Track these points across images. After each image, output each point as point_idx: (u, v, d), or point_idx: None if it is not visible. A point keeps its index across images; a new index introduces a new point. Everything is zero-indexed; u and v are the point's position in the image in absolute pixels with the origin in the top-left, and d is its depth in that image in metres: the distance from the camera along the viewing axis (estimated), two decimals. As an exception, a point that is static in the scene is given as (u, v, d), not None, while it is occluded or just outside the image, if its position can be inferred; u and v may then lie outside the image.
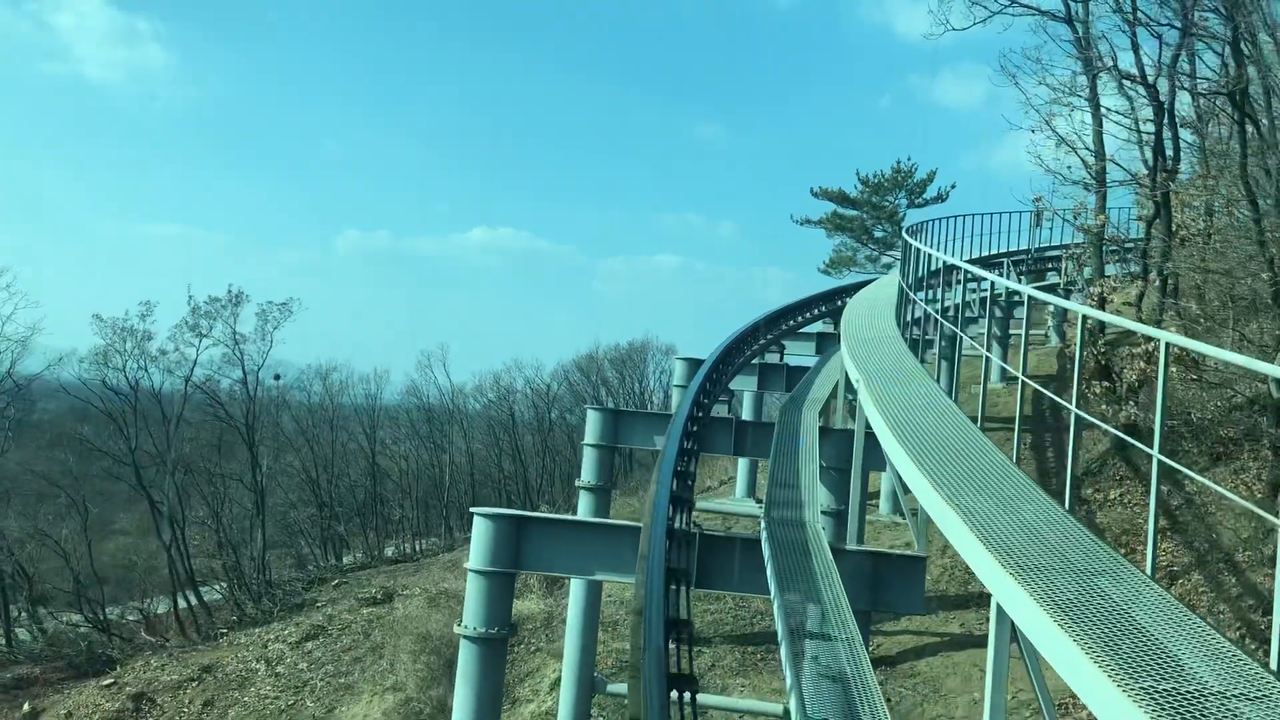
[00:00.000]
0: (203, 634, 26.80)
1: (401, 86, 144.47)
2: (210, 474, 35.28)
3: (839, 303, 21.34)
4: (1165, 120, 15.49)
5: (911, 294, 13.57)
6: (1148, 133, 16.30)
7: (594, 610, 14.26)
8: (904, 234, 16.88)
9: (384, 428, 52.30)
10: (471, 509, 9.90)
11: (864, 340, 12.01)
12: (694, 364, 17.00)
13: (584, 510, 14.51)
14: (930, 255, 14.68)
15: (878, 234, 44.53)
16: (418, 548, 44.87)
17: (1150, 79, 15.46)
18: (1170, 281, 15.37)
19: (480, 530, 9.56)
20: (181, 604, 29.70)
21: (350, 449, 48.91)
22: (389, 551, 43.62)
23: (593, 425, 14.47)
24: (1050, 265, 25.94)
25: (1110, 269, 18.78)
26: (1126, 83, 15.88)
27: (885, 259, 43.30)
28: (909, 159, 43.98)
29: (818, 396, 13.39)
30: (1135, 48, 15.54)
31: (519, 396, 55.71)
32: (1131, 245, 17.87)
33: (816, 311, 21.41)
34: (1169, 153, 15.66)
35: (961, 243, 23.20)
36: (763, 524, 8.66)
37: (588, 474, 14.50)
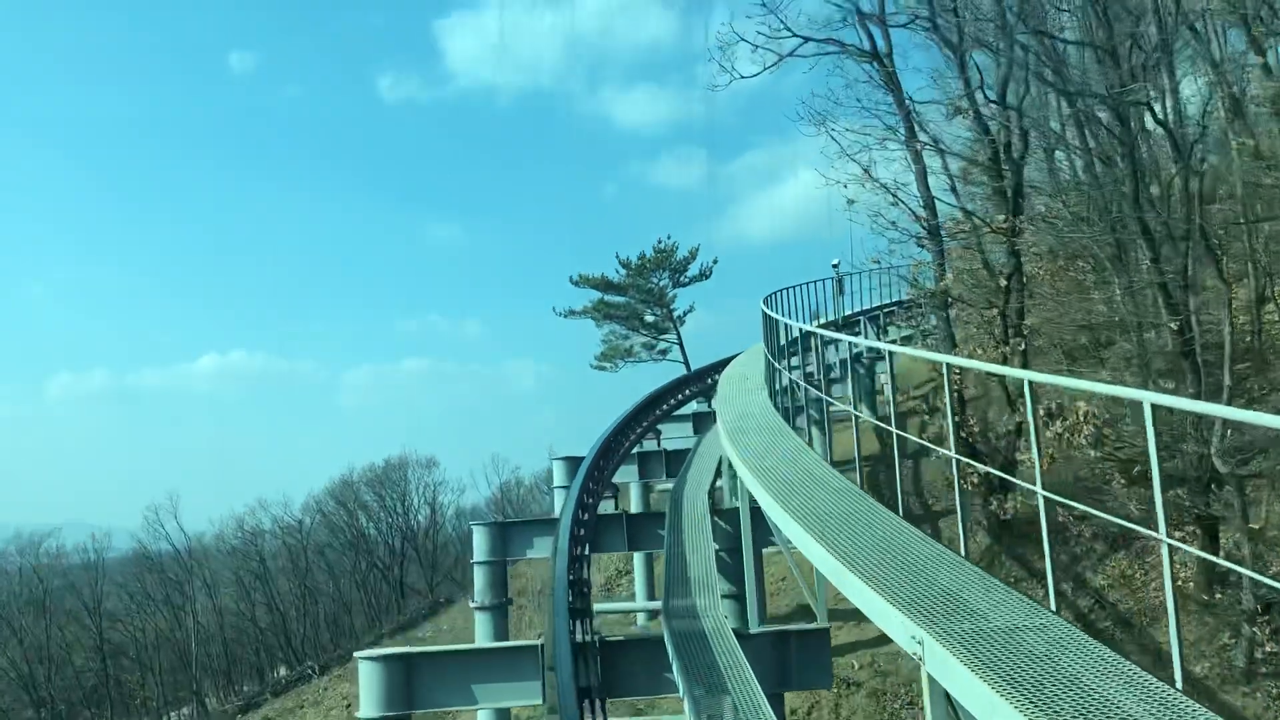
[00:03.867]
0: None
1: (107, 213, 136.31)
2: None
3: (709, 381, 21.24)
4: (1004, 155, 15.06)
5: (777, 363, 13.50)
6: (976, 180, 16.61)
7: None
8: (762, 305, 16.92)
9: (112, 598, 46.61)
10: (356, 654, 9.07)
11: (740, 416, 11.78)
12: (573, 462, 16.40)
13: (481, 632, 13.72)
14: (788, 325, 14.62)
15: (649, 318, 43.54)
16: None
17: (978, 111, 15.17)
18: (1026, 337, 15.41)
19: (368, 675, 8.86)
20: None
21: (70, 631, 43.75)
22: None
23: (480, 541, 14.03)
24: (889, 321, 26.43)
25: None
26: (958, 118, 15.87)
27: (660, 344, 43.22)
28: (669, 237, 44.37)
29: (701, 479, 12.98)
30: (966, 78, 15.12)
31: (268, 538, 51.05)
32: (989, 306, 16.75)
33: (689, 392, 21.20)
34: (1009, 195, 15.12)
35: (808, 309, 23.34)
36: (664, 621, 8.10)
37: (481, 593, 13.61)
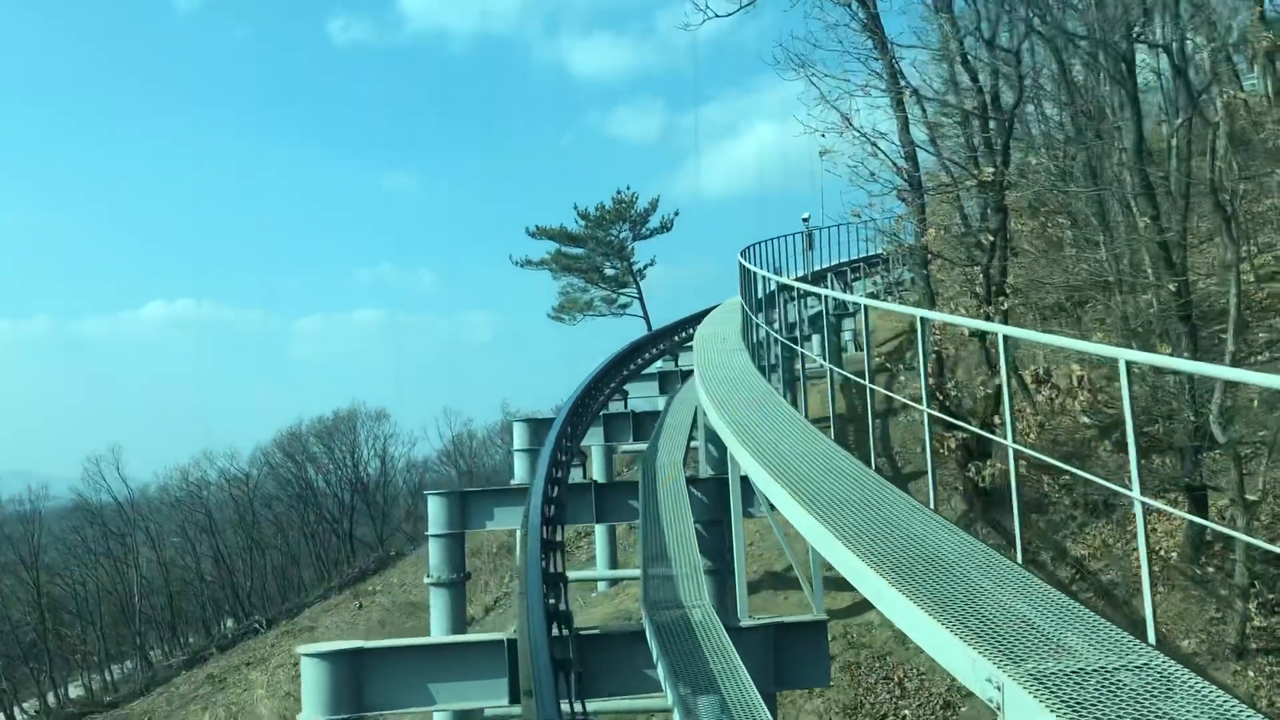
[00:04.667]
0: None
1: (51, 156, 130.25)
2: None
3: (675, 338, 20.21)
4: (990, 106, 14.04)
5: (754, 317, 12.47)
6: (951, 126, 15.59)
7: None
8: (739, 258, 15.85)
9: (51, 550, 45.19)
10: (299, 649, 7.90)
11: (722, 382, 10.68)
12: (536, 424, 15.23)
13: (437, 610, 12.51)
14: (765, 278, 13.58)
15: (609, 271, 42.35)
16: (108, 680, 38.87)
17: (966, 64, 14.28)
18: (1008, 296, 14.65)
19: (311, 674, 7.60)
20: None
21: (6, 584, 42.50)
22: (74, 693, 38.76)
23: (436, 513, 12.82)
24: (855, 277, 25.60)
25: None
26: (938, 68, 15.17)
27: (620, 298, 42.18)
28: (629, 189, 42.48)
29: (675, 446, 11.93)
30: (954, 20, 14.18)
31: (213, 490, 50.36)
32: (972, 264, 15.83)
33: (657, 350, 20.09)
34: (997, 146, 14.17)
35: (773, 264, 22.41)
36: (644, 613, 7.05)
37: (436, 569, 12.47)
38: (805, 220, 26.06)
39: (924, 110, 16.23)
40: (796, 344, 12.80)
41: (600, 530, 20.55)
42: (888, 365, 21.72)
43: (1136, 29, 12.53)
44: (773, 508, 8.08)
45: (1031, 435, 13.82)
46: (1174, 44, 13.02)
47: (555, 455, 9.77)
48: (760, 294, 14.51)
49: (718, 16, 16.13)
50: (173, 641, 43.85)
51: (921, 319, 8.01)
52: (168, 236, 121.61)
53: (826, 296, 12.97)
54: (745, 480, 9.20)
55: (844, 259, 26.68)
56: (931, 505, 6.85)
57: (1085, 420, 13.67)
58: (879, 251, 23.80)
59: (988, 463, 14.29)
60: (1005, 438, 5.83)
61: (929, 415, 7.06)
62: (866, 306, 10.05)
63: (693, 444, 14.22)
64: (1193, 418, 12.45)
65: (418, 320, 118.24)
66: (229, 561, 45.35)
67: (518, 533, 9.00)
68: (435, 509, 13.26)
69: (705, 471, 13.67)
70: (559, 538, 8.17)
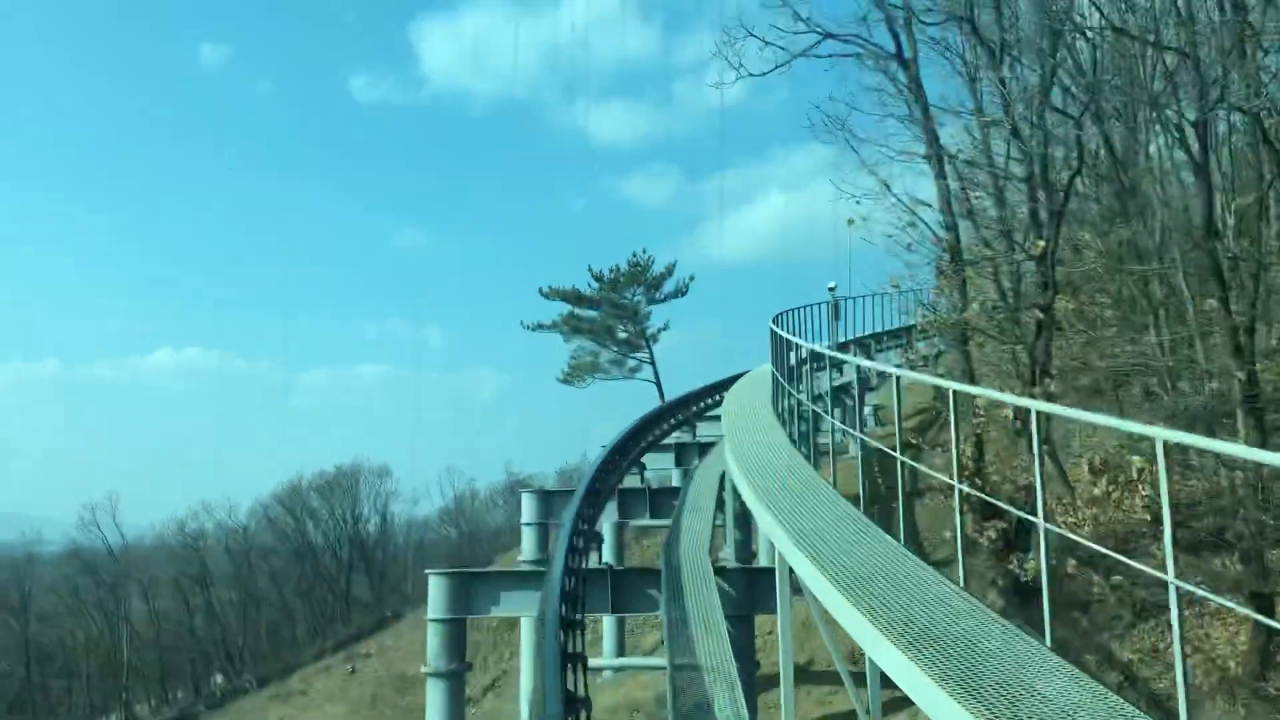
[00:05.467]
0: None
1: (71, 203, 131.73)
2: None
3: (693, 408, 19.25)
4: (1040, 174, 13.21)
5: (788, 387, 11.54)
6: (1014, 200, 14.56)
7: None
8: (771, 325, 14.95)
9: (42, 599, 44.13)
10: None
11: (766, 473, 9.68)
12: (546, 495, 14.10)
13: (433, 704, 11.14)
14: (799, 345, 12.76)
15: (620, 335, 41.46)
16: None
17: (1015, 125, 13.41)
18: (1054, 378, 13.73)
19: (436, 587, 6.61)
20: None
21: None
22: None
23: (437, 595, 11.45)
24: (879, 348, 24.76)
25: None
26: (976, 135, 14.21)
27: (631, 362, 41.28)
28: (644, 251, 41.77)
29: (697, 529, 10.85)
30: (1003, 82, 13.38)
31: (210, 542, 49.54)
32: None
33: (672, 423, 19.16)
34: (1043, 217, 13.32)
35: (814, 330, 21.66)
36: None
37: (434, 658, 11.13)
38: (832, 289, 25.26)
39: (958, 175, 15.67)
40: (824, 415, 11.93)
41: (608, 625, 19.24)
42: (913, 440, 20.61)
43: (1217, 95, 11.77)
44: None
45: (1086, 528, 12.73)
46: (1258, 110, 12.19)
47: (572, 541, 8.66)
48: (793, 362, 13.61)
49: (751, 75, 15.49)
50: (161, 697, 42.23)
51: (954, 392, 8.07)
52: (181, 286, 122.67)
53: (861, 367, 12.19)
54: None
55: (871, 330, 25.88)
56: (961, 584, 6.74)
57: (1145, 515, 12.58)
58: (909, 324, 22.84)
59: (1029, 555, 13.45)
60: (1038, 517, 5.98)
61: (967, 497, 6.82)
62: (899, 378, 9.50)
63: (718, 523, 13.15)
64: (1264, 516, 11.41)
65: (424, 378, 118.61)
66: (222, 616, 44.17)
67: (525, 634, 7.85)
68: (436, 590, 11.76)
69: (730, 556, 12.59)
70: (578, 647, 6.97)
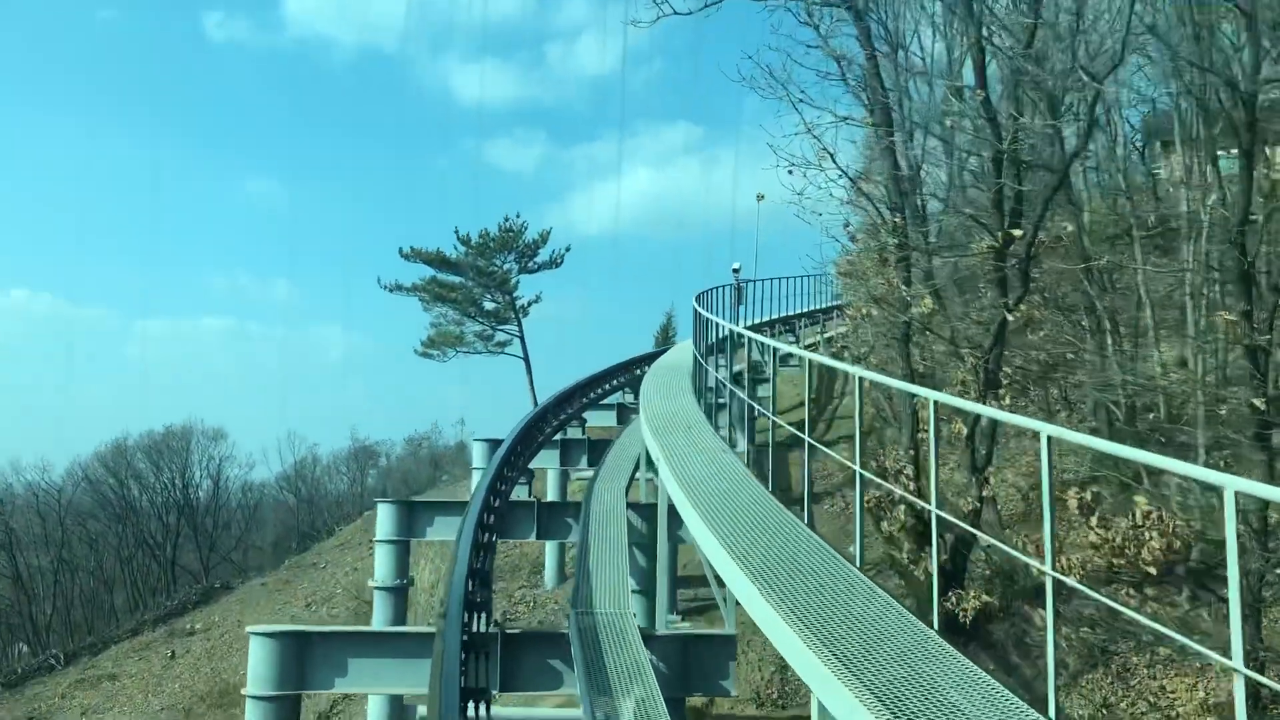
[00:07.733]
0: None
1: None
2: None
3: (637, 372, 25.97)
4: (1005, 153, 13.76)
5: (704, 362, 17.11)
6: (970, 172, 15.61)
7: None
8: (694, 302, 20.46)
9: None
10: (248, 629, 11.85)
11: (663, 416, 15.25)
12: (494, 444, 20.00)
13: (379, 612, 17.81)
14: (718, 324, 18.64)
15: (488, 306, 46.21)
16: None
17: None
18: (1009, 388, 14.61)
19: (260, 653, 11.73)
20: None
21: None
22: None
23: (385, 520, 17.85)
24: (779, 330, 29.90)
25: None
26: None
27: (500, 335, 45.78)
28: (518, 216, 46.46)
29: (621, 469, 17.20)
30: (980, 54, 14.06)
31: (19, 506, 54.63)
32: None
33: (617, 382, 26.39)
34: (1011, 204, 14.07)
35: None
36: (570, 616, 10.93)
37: (382, 574, 17.87)
38: (736, 271, 29.29)
39: (915, 149, 16.05)
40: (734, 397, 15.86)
41: (550, 547, 25.06)
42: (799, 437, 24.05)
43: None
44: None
45: (1075, 576, 12.66)
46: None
47: (501, 471, 14.00)
48: (712, 339, 18.43)
49: (676, 14, 16.56)
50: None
51: (858, 378, 10.06)
52: (7, 222, 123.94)
53: (775, 348, 15.78)
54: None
55: (780, 314, 30.42)
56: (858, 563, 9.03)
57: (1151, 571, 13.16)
58: (827, 305, 27.05)
59: (970, 594, 13.95)
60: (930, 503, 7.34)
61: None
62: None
63: (637, 476, 17.92)
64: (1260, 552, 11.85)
65: (270, 331, 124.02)
66: (29, 583, 47.76)
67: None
68: (384, 516, 17.90)
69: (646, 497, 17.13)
70: (488, 538, 12.05)
